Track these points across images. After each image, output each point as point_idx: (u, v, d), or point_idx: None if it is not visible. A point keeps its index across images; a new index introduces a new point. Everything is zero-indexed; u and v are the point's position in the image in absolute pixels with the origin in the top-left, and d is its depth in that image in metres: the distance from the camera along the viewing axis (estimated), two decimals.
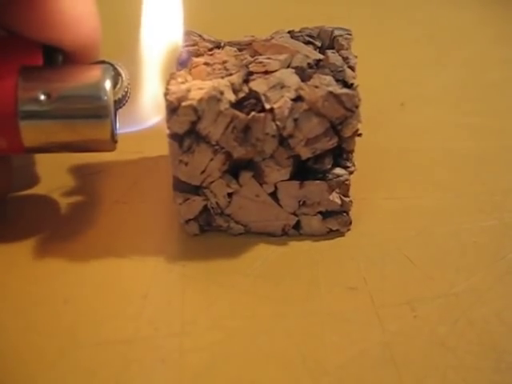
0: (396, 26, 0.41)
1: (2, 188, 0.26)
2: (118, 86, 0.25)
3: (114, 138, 0.24)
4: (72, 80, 0.24)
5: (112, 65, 0.25)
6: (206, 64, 0.25)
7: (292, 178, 0.25)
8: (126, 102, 0.25)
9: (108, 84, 0.24)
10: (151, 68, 0.25)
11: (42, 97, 0.23)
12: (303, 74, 0.24)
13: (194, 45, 0.26)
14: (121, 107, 0.25)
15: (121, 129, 0.25)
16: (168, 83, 0.24)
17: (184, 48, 0.26)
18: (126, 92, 0.25)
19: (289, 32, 0.27)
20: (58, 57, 0.25)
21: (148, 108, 0.24)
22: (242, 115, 0.23)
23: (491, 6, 0.43)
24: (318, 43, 0.26)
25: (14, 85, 0.23)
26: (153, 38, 0.25)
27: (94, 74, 0.24)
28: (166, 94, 0.23)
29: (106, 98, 0.24)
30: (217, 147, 0.24)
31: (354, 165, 0.25)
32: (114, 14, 0.26)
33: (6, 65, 0.24)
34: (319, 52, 0.26)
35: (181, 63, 0.25)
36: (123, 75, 0.25)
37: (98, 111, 0.24)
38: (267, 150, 0.24)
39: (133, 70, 0.25)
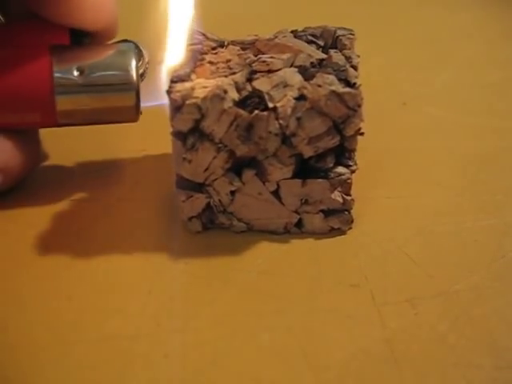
0: (398, 26, 0.41)
1: (32, 159, 0.27)
2: (141, 62, 0.27)
3: (138, 109, 0.27)
4: (102, 57, 0.26)
5: (135, 43, 0.27)
6: (210, 63, 0.25)
7: (294, 176, 0.25)
8: (145, 76, 0.28)
9: (133, 60, 0.26)
10: (168, 49, 0.27)
11: (76, 73, 0.26)
12: (306, 73, 0.24)
13: (198, 43, 0.26)
14: (142, 80, 0.27)
15: (142, 103, 0.27)
16: (171, 81, 0.24)
17: (189, 46, 0.26)
18: (147, 67, 0.28)
19: (292, 31, 0.27)
20: (84, 38, 0.27)
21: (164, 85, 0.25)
22: (245, 114, 0.23)
23: (492, 6, 0.43)
24: (321, 43, 0.26)
25: (48, 63, 0.26)
26: (173, 25, 0.27)
27: (121, 51, 0.27)
28: (169, 92, 0.23)
29: (132, 72, 0.26)
30: (220, 145, 0.24)
31: (355, 163, 0.25)
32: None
33: (37, 45, 0.26)
34: (322, 51, 0.26)
35: (186, 61, 0.25)
36: (144, 53, 0.28)
37: (125, 84, 0.26)
38: (270, 149, 0.24)
39: (152, 49, 0.28)
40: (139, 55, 0.27)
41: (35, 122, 0.27)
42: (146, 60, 0.28)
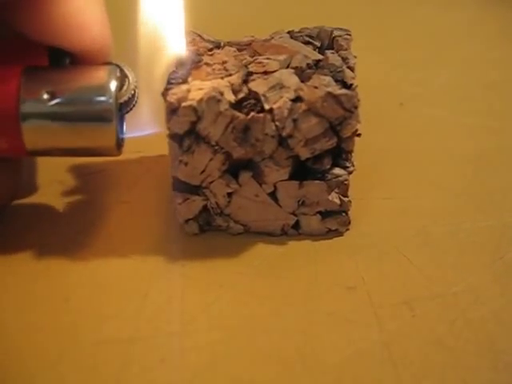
0: (395, 26, 0.41)
1: (8, 190, 0.26)
2: (125, 88, 0.24)
3: (118, 144, 0.24)
4: (76, 81, 0.23)
5: (119, 66, 0.24)
6: (206, 64, 0.25)
7: (291, 178, 0.25)
8: (134, 105, 0.24)
9: (113, 86, 0.23)
10: (158, 71, 0.24)
11: (46, 97, 0.23)
12: (302, 75, 0.24)
13: (193, 45, 0.26)
14: (128, 111, 0.25)
15: (128, 133, 0.25)
16: (167, 83, 0.24)
17: (184, 48, 0.26)
18: (133, 95, 0.24)
19: (288, 32, 0.27)
20: (64, 59, 0.24)
21: (155, 112, 0.23)
22: (241, 115, 0.23)
23: (490, 5, 0.43)
24: (318, 43, 0.26)
25: (16, 85, 0.23)
26: (157, 39, 0.25)
27: (99, 75, 0.23)
28: (165, 95, 0.23)
29: (110, 100, 0.23)
30: (216, 147, 0.24)
31: (353, 165, 0.25)
32: (118, 15, 0.26)
33: (9, 65, 0.23)
34: (318, 52, 0.26)
35: (181, 63, 0.25)
36: (130, 77, 0.24)
37: (102, 114, 0.23)
38: (267, 150, 0.24)
39: (140, 72, 0.25)
40: (122, 79, 0.24)
41: (2, 149, 0.24)
42: (133, 85, 0.24)
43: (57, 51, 0.24)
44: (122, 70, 0.24)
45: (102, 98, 0.23)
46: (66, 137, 0.23)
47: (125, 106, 0.24)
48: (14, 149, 0.24)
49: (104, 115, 0.23)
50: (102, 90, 0.23)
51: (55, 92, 0.23)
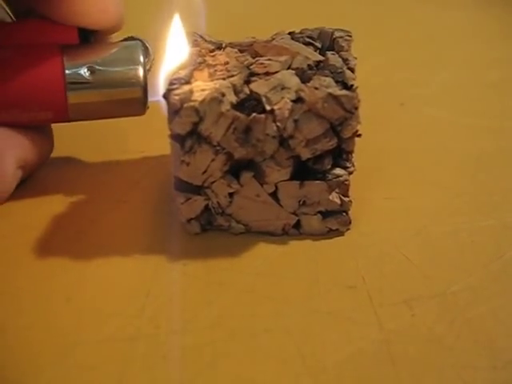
0: (395, 27, 0.41)
1: (47, 151, 0.29)
2: (147, 59, 0.28)
3: (145, 103, 0.28)
4: (110, 54, 0.27)
5: (141, 41, 0.28)
6: (208, 65, 0.25)
7: (292, 178, 0.25)
8: (149, 71, 0.28)
9: (141, 57, 0.28)
10: (168, 51, 0.28)
11: (86, 71, 0.27)
12: (303, 76, 0.24)
13: (195, 46, 0.26)
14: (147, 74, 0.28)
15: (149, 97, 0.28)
16: (169, 84, 0.24)
17: (188, 49, 0.26)
18: (153, 63, 0.29)
19: (289, 33, 0.27)
20: (91, 36, 0.28)
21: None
22: (242, 116, 0.23)
23: (490, 6, 0.43)
24: (318, 44, 0.27)
25: (60, 63, 0.27)
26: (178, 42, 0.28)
27: (128, 48, 0.28)
28: (168, 96, 0.23)
29: (139, 68, 0.27)
30: (218, 148, 0.24)
31: (353, 165, 0.25)
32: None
33: (48, 44, 0.27)
34: (319, 53, 0.26)
35: (183, 65, 0.25)
36: (150, 50, 0.29)
37: (133, 79, 0.27)
38: (268, 151, 0.24)
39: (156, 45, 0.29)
40: (145, 52, 0.28)
41: (48, 118, 0.27)
42: (152, 57, 0.29)
43: (83, 30, 0.27)
44: (144, 44, 0.28)
45: (134, 68, 0.27)
46: (105, 101, 0.28)
47: (147, 73, 0.28)
48: (58, 118, 0.28)
49: (136, 80, 0.27)
50: (133, 61, 0.28)
51: (94, 65, 0.27)
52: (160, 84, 0.27)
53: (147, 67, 0.28)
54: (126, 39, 0.29)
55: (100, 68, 0.27)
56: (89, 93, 0.27)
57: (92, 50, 0.28)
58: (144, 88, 0.28)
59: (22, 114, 0.27)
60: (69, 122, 0.28)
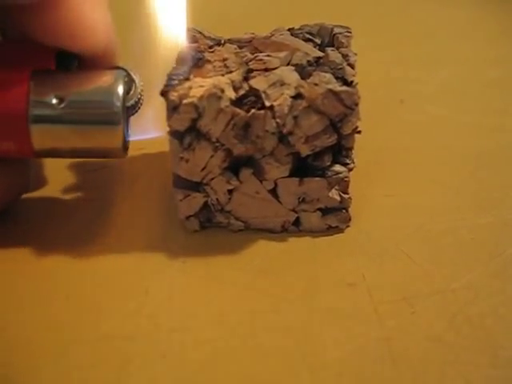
0: (395, 24, 0.41)
1: (18, 187, 0.26)
2: (132, 92, 0.24)
3: (125, 146, 0.24)
4: (84, 85, 0.24)
5: (126, 70, 0.25)
6: (207, 61, 0.25)
7: (292, 174, 0.25)
8: (139, 108, 0.25)
9: (121, 90, 0.24)
10: (163, 74, 0.25)
11: (54, 101, 0.23)
12: (303, 72, 0.24)
13: (194, 42, 0.26)
14: (133, 114, 0.25)
15: (133, 136, 0.25)
16: (167, 81, 0.24)
17: (186, 45, 0.26)
18: (140, 98, 0.25)
19: (289, 29, 0.27)
20: (72, 62, 0.24)
21: (159, 115, 0.24)
22: (242, 112, 0.23)
23: (490, 3, 0.43)
24: (318, 40, 0.26)
25: (25, 88, 0.23)
26: (164, 41, 0.25)
27: (107, 79, 0.24)
28: (166, 92, 0.23)
29: (118, 104, 0.23)
30: (217, 144, 0.24)
31: (353, 162, 0.25)
32: (122, 15, 0.26)
33: (18, 69, 0.24)
34: (319, 49, 0.26)
35: (182, 61, 0.25)
36: (137, 81, 0.25)
37: (110, 117, 0.23)
38: (267, 147, 0.24)
39: (146, 75, 0.25)
40: (130, 83, 0.24)
41: (10, 150, 0.24)
42: (139, 89, 0.25)
43: (65, 55, 0.24)
44: (128, 74, 0.25)
45: (110, 102, 0.23)
46: (74, 139, 0.24)
47: (131, 110, 0.25)
48: (22, 150, 0.24)
49: (112, 118, 0.23)
50: (110, 93, 0.23)
51: (64, 96, 0.23)
52: (150, 121, 0.24)
53: (131, 102, 0.24)
54: (108, 69, 0.24)
55: (70, 99, 0.23)
56: (55, 126, 0.23)
57: (66, 78, 0.24)
58: (121, 128, 0.23)
59: None
60: (36, 157, 0.25)
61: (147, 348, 0.22)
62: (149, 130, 0.25)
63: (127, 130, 0.25)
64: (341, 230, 0.26)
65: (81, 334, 0.22)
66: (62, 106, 0.23)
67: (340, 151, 0.25)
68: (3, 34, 0.25)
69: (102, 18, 0.24)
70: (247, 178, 0.25)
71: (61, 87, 0.24)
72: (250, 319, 0.23)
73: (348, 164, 0.25)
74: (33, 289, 0.24)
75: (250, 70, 0.24)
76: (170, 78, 0.24)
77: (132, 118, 0.25)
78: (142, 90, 0.25)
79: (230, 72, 0.24)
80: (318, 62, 0.25)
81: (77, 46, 0.23)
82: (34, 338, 0.22)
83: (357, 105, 0.24)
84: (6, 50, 0.24)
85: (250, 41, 0.26)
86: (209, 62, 0.25)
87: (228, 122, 0.23)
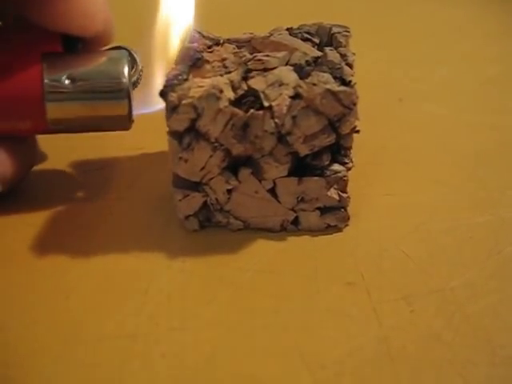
0: (394, 23, 0.41)
1: (28, 163, 0.28)
2: (134, 69, 0.27)
3: (130, 117, 0.26)
4: (93, 64, 0.26)
5: (128, 50, 0.27)
6: (206, 61, 0.25)
7: (290, 174, 0.25)
8: (139, 83, 0.27)
9: (126, 68, 0.26)
10: (162, 54, 0.27)
11: (67, 81, 0.25)
12: (301, 72, 0.24)
13: (193, 42, 0.26)
14: (134, 88, 0.27)
15: (136, 109, 0.27)
16: (167, 81, 0.24)
17: (188, 45, 0.26)
18: (140, 75, 0.27)
19: (287, 29, 0.27)
20: (77, 45, 0.27)
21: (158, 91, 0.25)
22: (240, 113, 0.23)
23: (489, 2, 0.43)
24: (317, 40, 0.26)
25: (39, 70, 0.25)
26: (165, 25, 0.27)
27: (112, 58, 0.26)
28: (165, 93, 0.23)
29: (124, 80, 0.26)
30: (216, 144, 0.24)
31: (351, 161, 0.25)
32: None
33: (29, 52, 0.26)
34: (317, 49, 0.26)
35: (182, 61, 0.25)
36: (137, 59, 0.27)
37: (118, 93, 0.26)
38: (266, 147, 0.24)
39: (145, 54, 0.28)
40: (132, 62, 0.27)
41: (26, 129, 0.26)
42: (140, 67, 0.27)
43: (69, 38, 0.26)
44: (130, 54, 0.27)
45: (118, 79, 0.26)
46: (86, 114, 0.26)
47: (133, 85, 0.27)
48: (37, 128, 0.26)
49: (119, 93, 0.26)
50: (117, 71, 0.26)
51: (75, 75, 0.26)
52: (149, 96, 0.26)
53: (134, 79, 0.27)
54: (112, 48, 0.27)
55: (81, 77, 0.26)
56: (68, 103, 0.26)
57: (74, 59, 0.26)
58: (129, 102, 0.26)
59: (0, 123, 0.26)
60: (49, 133, 0.27)
61: (147, 348, 0.22)
62: (151, 104, 0.27)
63: (131, 103, 0.26)
64: (339, 230, 0.26)
65: (81, 334, 0.22)
66: (74, 84, 0.26)
67: (339, 151, 0.25)
68: (7, 21, 0.27)
69: (100, 5, 0.26)
70: (246, 177, 0.25)
71: (71, 67, 0.26)
72: (248, 319, 0.23)
73: (347, 163, 0.25)
74: (32, 289, 0.24)
75: (249, 70, 0.25)
76: (168, 78, 0.24)
77: (136, 94, 0.27)
78: (142, 68, 0.27)
79: (229, 72, 0.24)
80: (316, 62, 0.25)
81: (76, 30, 0.26)
82: (34, 338, 0.22)
83: (355, 104, 0.24)
84: (15, 35, 0.26)
85: (249, 41, 0.26)
86: (207, 62, 0.25)
87: (227, 122, 0.24)
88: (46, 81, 0.25)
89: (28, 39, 0.26)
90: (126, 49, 0.27)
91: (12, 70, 0.25)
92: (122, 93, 0.26)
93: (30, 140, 0.28)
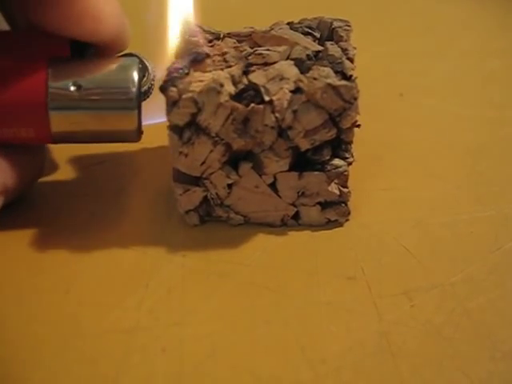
0: (395, 18, 0.41)
1: (33, 173, 0.27)
2: (145, 78, 0.25)
3: (139, 129, 0.25)
4: (101, 71, 0.24)
5: (139, 57, 0.25)
6: (206, 56, 0.25)
7: (291, 169, 0.25)
8: (151, 93, 0.26)
9: (136, 76, 0.24)
10: (163, 49, 0.26)
11: (72, 88, 0.24)
12: (302, 66, 0.24)
13: (193, 36, 0.26)
14: (145, 99, 0.26)
15: (144, 120, 0.25)
16: (167, 76, 0.24)
17: (186, 40, 0.26)
18: (152, 84, 0.26)
19: (288, 23, 0.27)
20: (88, 50, 0.25)
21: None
22: (241, 107, 0.23)
23: None
24: (317, 34, 0.26)
25: (44, 76, 0.24)
26: (175, 30, 0.26)
27: (122, 66, 0.25)
28: (165, 87, 0.23)
29: (134, 89, 0.24)
30: (216, 139, 0.24)
31: (352, 156, 0.25)
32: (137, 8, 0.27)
33: (35, 57, 0.24)
34: (318, 43, 0.26)
35: (182, 55, 0.25)
36: (149, 68, 0.26)
37: (126, 103, 0.24)
38: (266, 142, 0.24)
39: (158, 62, 0.26)
40: (143, 70, 0.25)
41: (30, 137, 0.25)
42: (152, 75, 0.26)
43: (80, 44, 0.25)
44: (142, 61, 0.26)
45: (127, 88, 0.24)
46: (91, 124, 0.25)
47: (144, 95, 0.26)
48: (40, 137, 0.25)
49: (128, 104, 0.24)
50: (126, 80, 0.24)
51: (81, 82, 0.24)
52: (161, 106, 0.24)
53: (145, 88, 0.25)
54: (122, 55, 0.26)
55: (88, 85, 0.24)
56: (73, 113, 0.24)
57: (82, 66, 0.25)
58: (138, 113, 0.24)
59: (2, 130, 0.24)
60: (53, 143, 0.25)
61: (147, 342, 0.22)
62: (160, 114, 0.25)
63: (140, 115, 0.25)
64: (340, 224, 0.26)
65: (81, 328, 0.22)
66: (80, 92, 0.24)
67: (339, 145, 0.25)
68: (16, 25, 0.26)
69: (109, 8, 0.24)
70: (247, 172, 0.25)
71: (78, 74, 0.24)
72: (249, 313, 0.23)
73: (347, 158, 0.25)
74: (33, 283, 0.24)
75: (250, 65, 0.24)
76: (169, 72, 0.24)
77: (145, 103, 0.26)
78: (154, 76, 0.26)
79: (230, 66, 0.24)
80: (317, 56, 0.25)
81: (86, 36, 0.24)
82: (34, 332, 0.22)
83: (356, 99, 0.24)
84: (21, 40, 0.25)
85: (250, 35, 0.26)
86: (208, 56, 0.25)
87: (227, 117, 0.23)
88: (50, 87, 0.24)
89: (36, 44, 0.25)
90: (137, 56, 0.26)
91: (17, 76, 0.24)
92: (130, 102, 0.24)
93: (36, 150, 0.26)
